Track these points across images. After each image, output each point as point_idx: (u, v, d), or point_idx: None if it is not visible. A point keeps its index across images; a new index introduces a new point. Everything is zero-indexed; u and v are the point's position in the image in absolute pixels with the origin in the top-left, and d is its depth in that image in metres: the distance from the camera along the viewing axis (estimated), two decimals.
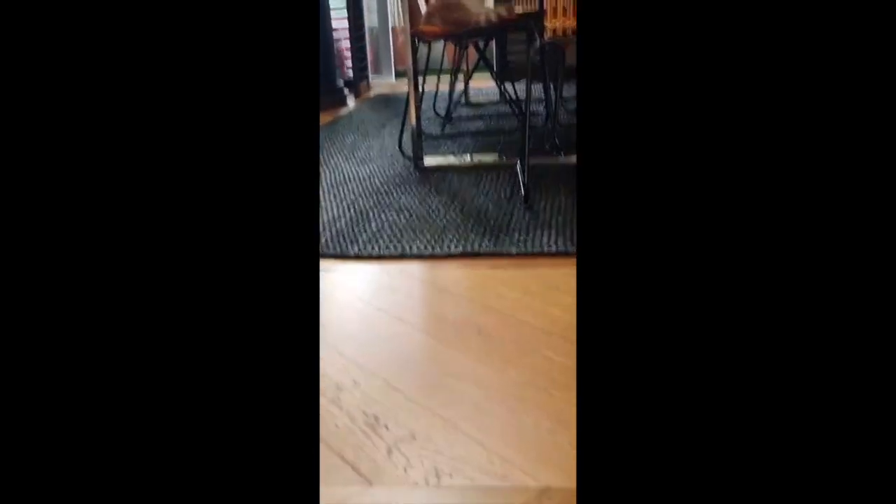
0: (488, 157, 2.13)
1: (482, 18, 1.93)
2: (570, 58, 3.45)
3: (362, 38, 3.76)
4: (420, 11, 2.14)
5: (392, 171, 2.08)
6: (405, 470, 0.80)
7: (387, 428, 0.87)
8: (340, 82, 3.49)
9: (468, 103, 3.12)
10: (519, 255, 1.39)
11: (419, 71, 2.08)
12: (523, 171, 1.72)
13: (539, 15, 1.58)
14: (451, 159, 2.15)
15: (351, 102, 3.50)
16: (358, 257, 1.45)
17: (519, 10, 2.63)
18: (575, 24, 1.55)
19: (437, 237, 1.51)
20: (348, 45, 3.67)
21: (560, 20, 1.55)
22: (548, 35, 1.58)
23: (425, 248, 1.46)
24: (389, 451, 0.83)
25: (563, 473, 0.77)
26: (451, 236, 1.51)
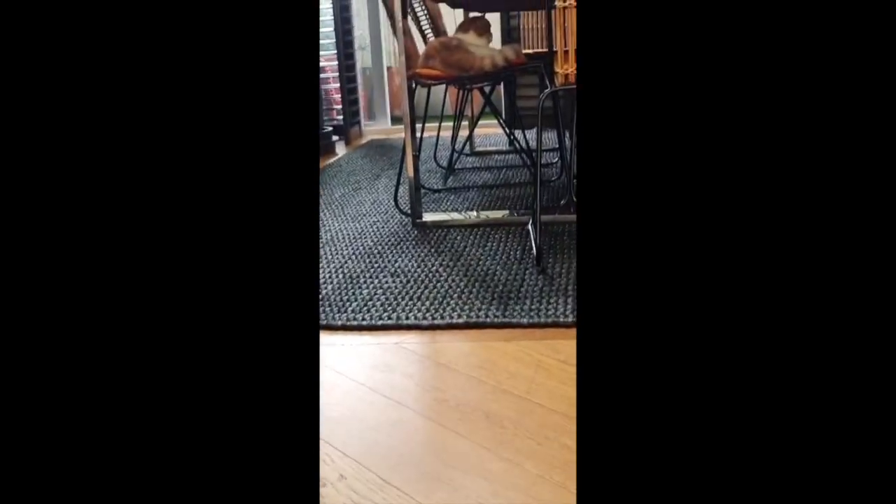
0: (496, 214, 2.18)
1: (487, 62, 2.01)
2: None
3: (354, 79, 3.89)
4: (417, 52, 2.23)
5: (387, 230, 2.13)
6: None
7: None
8: (328, 128, 3.59)
9: (473, 153, 3.20)
10: (531, 325, 1.41)
11: (417, 116, 2.15)
12: (535, 230, 1.76)
13: (549, 57, 1.65)
14: (453, 216, 2.19)
15: (340, 150, 3.59)
16: (346, 328, 1.47)
17: (530, 51, 2.74)
18: None
19: (437, 305, 1.53)
20: (338, 87, 3.79)
21: (573, 65, 1.62)
22: (559, 81, 1.64)
23: (424, 317, 1.48)
24: None
25: None
26: (453, 304, 1.53)
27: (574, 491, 0.92)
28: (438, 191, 2.55)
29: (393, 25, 2.08)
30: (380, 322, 1.47)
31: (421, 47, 2.35)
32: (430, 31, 2.59)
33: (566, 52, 1.61)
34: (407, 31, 2.06)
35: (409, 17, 2.44)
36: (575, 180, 2.44)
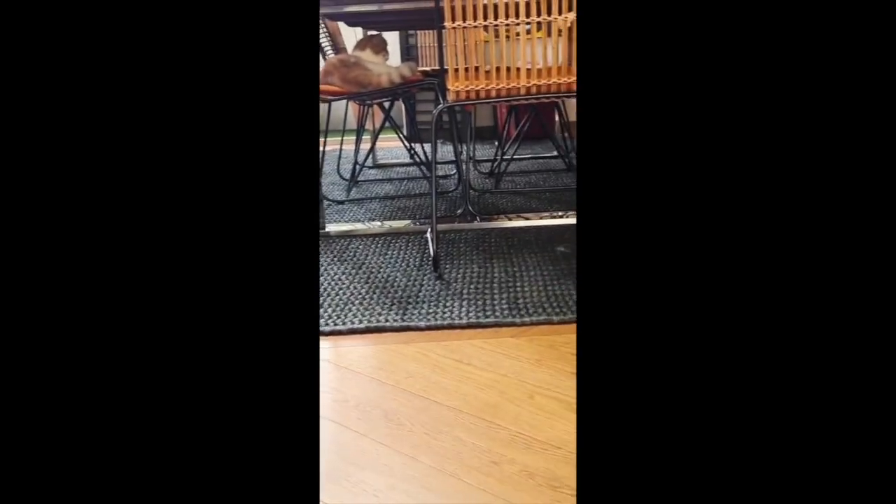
0: (398, 223, 2.20)
1: (384, 79, 2.03)
2: (481, 119, 3.65)
3: None
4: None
5: None
6: None
7: None
8: None
9: (376, 165, 3.21)
10: (428, 328, 1.44)
11: (320, 130, 2.15)
12: (433, 239, 1.80)
13: (442, 75, 1.69)
14: (357, 226, 2.20)
15: None
16: None
17: (427, 68, 2.78)
18: (479, 86, 1.67)
19: (339, 311, 1.53)
20: None
21: (463, 83, 1.66)
22: (451, 97, 1.68)
23: (326, 323, 1.47)
24: None
25: None
26: (355, 310, 1.54)
27: (465, 480, 0.94)
28: (342, 202, 2.54)
29: None
30: None
31: (320, 63, 2.34)
32: (329, 47, 2.59)
33: (456, 71, 1.65)
34: None
35: None
36: (471, 190, 2.50)
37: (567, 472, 0.95)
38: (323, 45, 2.56)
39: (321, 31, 2.57)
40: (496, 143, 3.34)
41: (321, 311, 1.54)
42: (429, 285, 1.66)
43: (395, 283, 1.69)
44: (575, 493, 0.90)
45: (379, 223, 2.22)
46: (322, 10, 1.81)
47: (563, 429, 1.05)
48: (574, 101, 2.82)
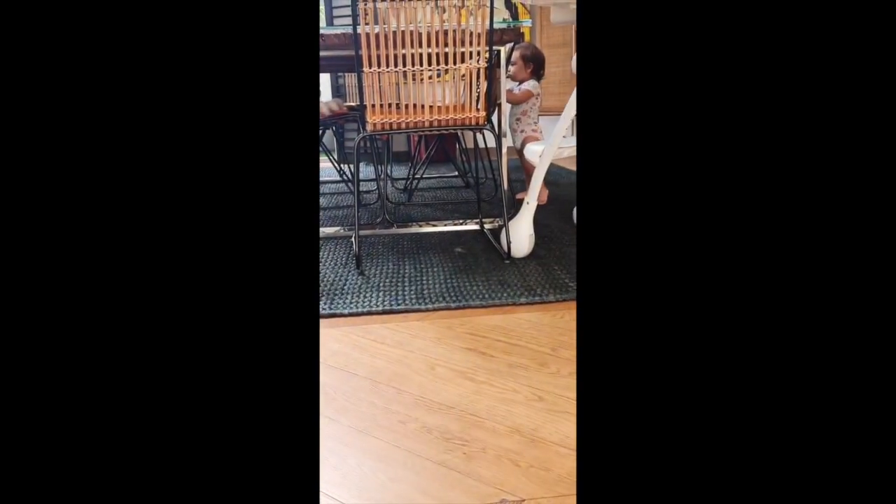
0: (330, 230, 2.16)
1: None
2: (397, 145, 3.65)
3: None
4: None
5: None
6: None
7: None
8: None
9: None
10: (351, 314, 1.42)
11: None
12: (356, 242, 1.78)
13: (362, 109, 1.67)
14: None
15: None
16: None
17: (353, 104, 2.75)
18: (392, 119, 1.67)
19: None
20: None
21: (379, 116, 1.66)
22: (369, 128, 1.67)
23: None
24: None
25: None
26: None
27: (376, 436, 0.94)
28: None
29: None
30: None
31: None
32: None
33: (373, 106, 1.64)
34: None
35: None
36: (388, 203, 2.49)
37: (457, 427, 0.96)
38: None
39: None
40: (409, 165, 3.34)
41: None
42: (352, 279, 1.64)
43: (325, 278, 1.66)
44: (464, 442, 0.92)
45: None
46: None
47: (456, 392, 1.07)
48: (469, 132, 2.86)
